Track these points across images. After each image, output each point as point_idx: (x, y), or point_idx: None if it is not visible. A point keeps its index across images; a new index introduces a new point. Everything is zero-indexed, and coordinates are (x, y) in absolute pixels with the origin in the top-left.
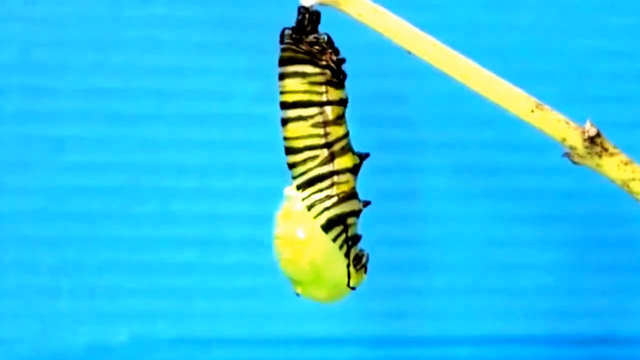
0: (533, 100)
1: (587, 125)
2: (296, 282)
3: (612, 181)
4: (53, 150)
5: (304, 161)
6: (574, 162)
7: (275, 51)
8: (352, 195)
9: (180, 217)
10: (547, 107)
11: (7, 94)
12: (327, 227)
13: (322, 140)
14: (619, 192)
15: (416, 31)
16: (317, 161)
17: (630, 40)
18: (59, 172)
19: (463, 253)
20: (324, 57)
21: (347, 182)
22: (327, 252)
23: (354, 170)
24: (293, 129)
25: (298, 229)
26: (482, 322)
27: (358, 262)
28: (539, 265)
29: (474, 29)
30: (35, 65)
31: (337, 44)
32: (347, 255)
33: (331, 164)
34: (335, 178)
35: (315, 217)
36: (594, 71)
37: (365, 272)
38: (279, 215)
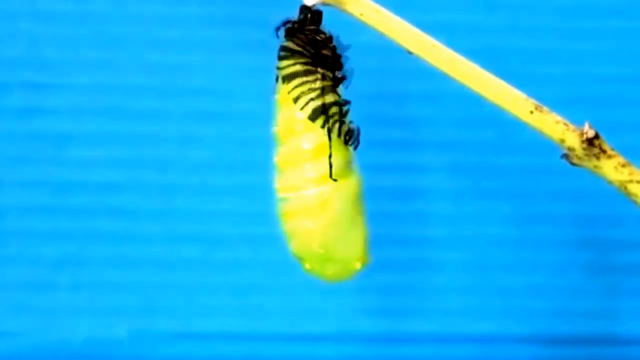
0: (532, 101)
1: (586, 127)
2: (305, 261)
3: (610, 183)
4: (56, 146)
5: (293, 55)
6: (572, 164)
7: (277, 49)
8: (334, 86)
9: (181, 213)
10: (546, 108)
11: (10, 90)
12: (313, 116)
13: (313, 51)
14: (616, 194)
15: (417, 32)
16: (304, 59)
17: (628, 43)
18: (61, 168)
19: (461, 252)
20: (323, 46)
21: (330, 76)
22: (338, 235)
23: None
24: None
25: (307, 221)
26: (480, 321)
27: (350, 136)
28: (537, 264)
29: (475, 31)
30: (38, 62)
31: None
32: (329, 137)
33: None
34: (319, 73)
35: (302, 108)
36: (592, 73)
37: (357, 146)
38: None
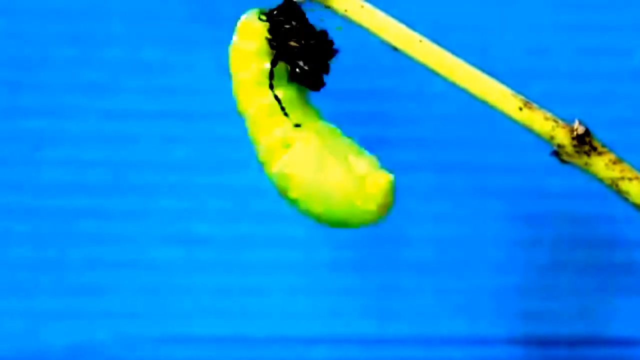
0: (521, 98)
1: (576, 123)
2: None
3: (601, 180)
4: (34, 146)
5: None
6: (562, 161)
7: None
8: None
9: (163, 213)
10: (535, 105)
11: None
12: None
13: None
14: (607, 191)
15: (403, 28)
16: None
17: (618, 39)
18: (40, 168)
19: (453, 252)
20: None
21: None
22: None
23: None
24: None
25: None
26: (471, 322)
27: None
28: (527, 264)
29: (462, 26)
30: (16, 60)
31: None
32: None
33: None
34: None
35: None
36: (582, 70)
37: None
38: None
